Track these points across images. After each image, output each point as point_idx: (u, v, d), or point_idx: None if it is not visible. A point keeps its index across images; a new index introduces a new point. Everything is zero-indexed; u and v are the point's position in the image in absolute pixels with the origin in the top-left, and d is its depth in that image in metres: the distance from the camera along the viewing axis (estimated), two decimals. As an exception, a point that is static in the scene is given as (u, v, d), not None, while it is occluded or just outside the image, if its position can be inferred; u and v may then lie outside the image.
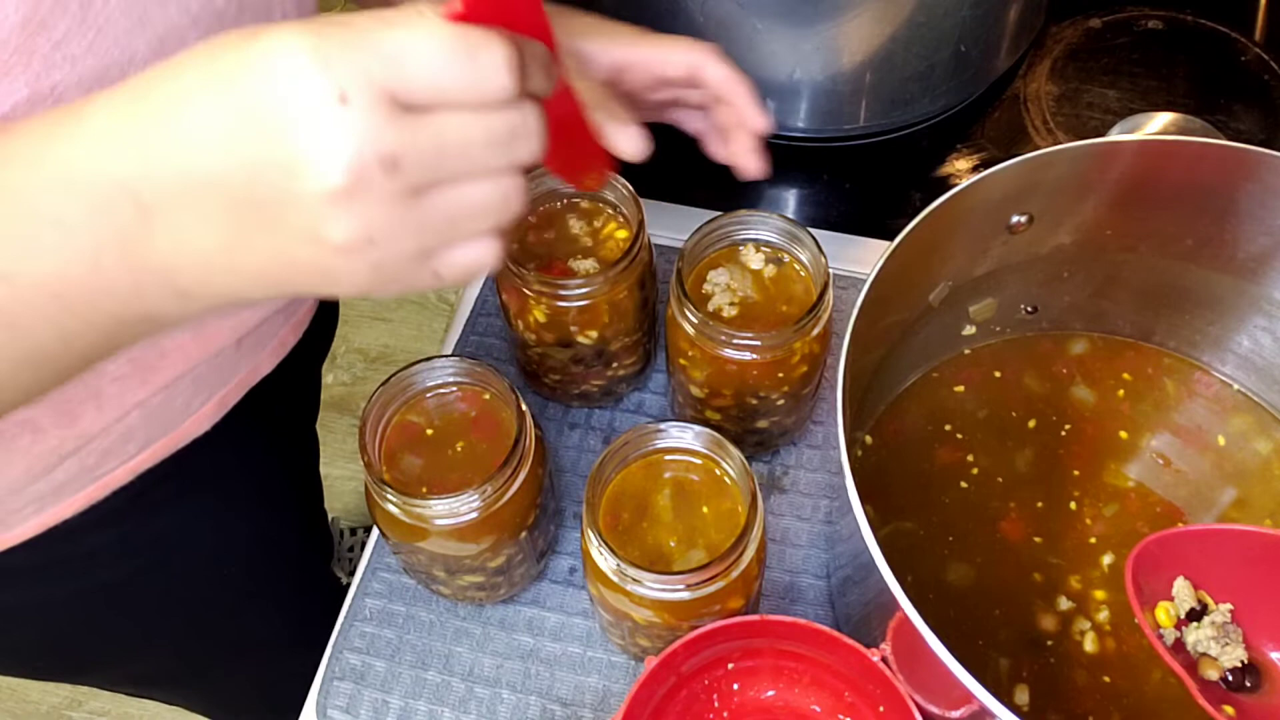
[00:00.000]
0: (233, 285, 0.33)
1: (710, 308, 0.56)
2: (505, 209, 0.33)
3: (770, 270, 0.57)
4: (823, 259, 0.54)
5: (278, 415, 0.68)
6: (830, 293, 0.54)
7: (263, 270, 0.32)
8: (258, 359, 0.60)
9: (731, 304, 0.56)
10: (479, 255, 0.33)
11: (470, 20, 0.30)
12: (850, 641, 0.48)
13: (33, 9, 0.34)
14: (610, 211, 0.60)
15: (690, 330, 0.54)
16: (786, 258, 0.57)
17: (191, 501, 0.62)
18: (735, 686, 0.54)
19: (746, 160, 0.54)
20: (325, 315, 0.73)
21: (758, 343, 0.53)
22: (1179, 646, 0.50)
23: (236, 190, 0.30)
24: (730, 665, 0.53)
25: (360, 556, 0.63)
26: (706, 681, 0.53)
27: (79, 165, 0.31)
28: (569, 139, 0.42)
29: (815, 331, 0.54)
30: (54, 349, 0.34)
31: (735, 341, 0.53)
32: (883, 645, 0.47)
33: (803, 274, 0.57)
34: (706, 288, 0.57)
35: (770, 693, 0.54)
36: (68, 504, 0.55)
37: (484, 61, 0.30)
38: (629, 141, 0.45)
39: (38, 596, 0.61)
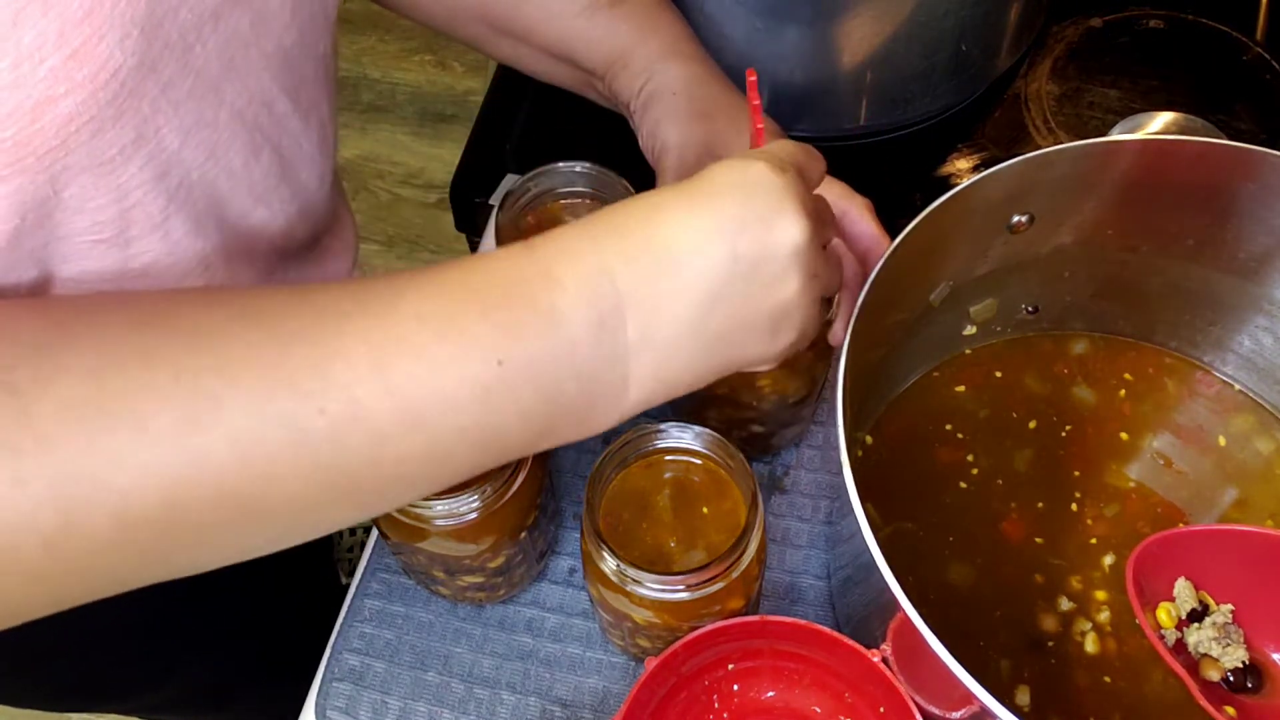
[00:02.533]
0: (682, 365, 0.38)
1: None
2: (838, 273, 0.45)
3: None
4: None
5: None
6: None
7: (724, 333, 0.38)
8: None
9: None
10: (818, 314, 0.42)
11: None
12: (851, 642, 0.48)
13: (144, 52, 0.35)
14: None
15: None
16: None
17: None
18: (735, 687, 0.54)
19: (837, 327, 0.52)
20: None
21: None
22: (1180, 647, 0.50)
23: (717, 261, 0.36)
24: (730, 666, 0.53)
25: (360, 556, 0.62)
26: (706, 682, 0.53)
27: (562, 262, 0.36)
28: None
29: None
30: (512, 432, 0.36)
31: None
32: (883, 646, 0.47)
33: None
34: None
35: (770, 694, 0.54)
36: None
37: (822, 162, 0.43)
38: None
39: (81, 624, 0.61)
